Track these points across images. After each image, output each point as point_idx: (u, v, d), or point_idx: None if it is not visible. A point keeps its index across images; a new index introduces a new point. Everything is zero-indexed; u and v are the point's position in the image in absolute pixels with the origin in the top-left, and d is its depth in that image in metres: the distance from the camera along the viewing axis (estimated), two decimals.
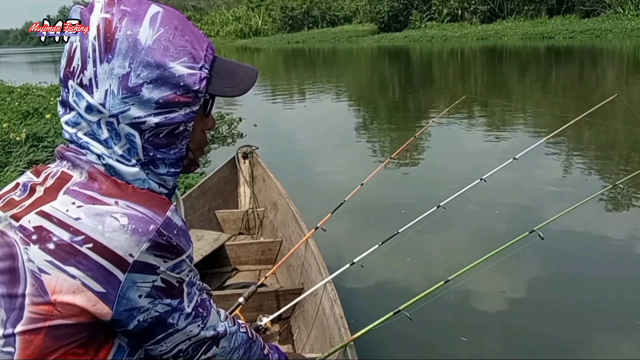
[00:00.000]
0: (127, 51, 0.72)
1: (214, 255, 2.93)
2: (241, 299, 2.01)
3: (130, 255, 0.69)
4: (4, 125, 5.93)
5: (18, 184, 0.79)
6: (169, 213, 0.74)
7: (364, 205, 4.10)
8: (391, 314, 1.57)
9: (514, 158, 2.63)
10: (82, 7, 0.77)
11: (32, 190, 0.75)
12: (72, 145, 0.80)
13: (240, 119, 8.27)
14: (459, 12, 40.45)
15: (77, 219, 0.70)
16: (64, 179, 0.76)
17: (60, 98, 0.79)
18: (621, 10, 32.09)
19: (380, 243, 2.08)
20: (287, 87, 15.81)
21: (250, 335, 0.98)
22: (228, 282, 2.93)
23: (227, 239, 3.08)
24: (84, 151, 0.78)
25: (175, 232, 0.74)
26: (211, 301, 0.87)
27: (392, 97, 13.01)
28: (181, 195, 3.35)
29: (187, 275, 0.78)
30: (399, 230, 2.17)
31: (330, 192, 4.62)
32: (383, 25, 43.98)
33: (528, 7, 37.57)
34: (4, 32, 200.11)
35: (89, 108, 0.75)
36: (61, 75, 0.77)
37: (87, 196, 0.72)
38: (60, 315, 0.68)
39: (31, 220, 0.71)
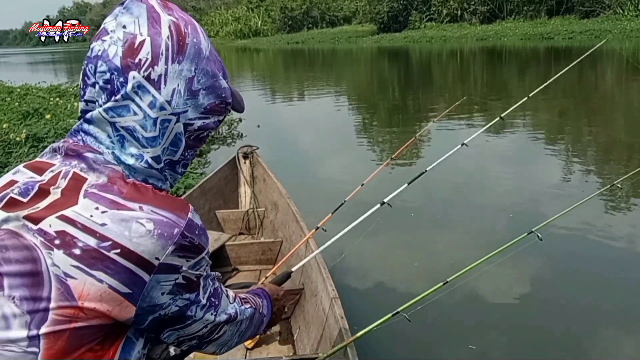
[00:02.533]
0: (194, 57, 0.79)
1: (214, 255, 2.93)
2: None
3: (157, 258, 0.72)
4: (4, 126, 5.92)
5: (13, 181, 0.76)
6: (190, 215, 0.77)
7: (364, 205, 4.08)
8: (390, 315, 1.57)
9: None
10: (140, 2, 0.78)
11: (44, 192, 0.74)
12: (79, 140, 0.79)
13: (240, 120, 8.27)
14: (459, 12, 40.51)
15: (103, 224, 0.70)
16: (78, 180, 0.75)
17: (94, 83, 0.76)
18: (620, 11, 32.14)
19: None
20: (286, 88, 15.82)
21: (254, 305, 1.03)
22: (228, 282, 2.94)
23: (228, 239, 3.09)
24: (99, 149, 0.78)
25: (197, 232, 0.77)
26: (222, 287, 0.91)
27: (392, 97, 13.02)
28: (182, 195, 3.36)
29: (205, 270, 0.82)
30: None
31: (330, 192, 4.61)
32: (382, 26, 44.03)
33: (527, 8, 37.62)
34: (3, 32, 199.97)
35: (153, 103, 0.77)
36: (117, 63, 0.75)
37: (110, 200, 0.72)
38: (86, 318, 0.69)
39: (52, 224, 0.70)
